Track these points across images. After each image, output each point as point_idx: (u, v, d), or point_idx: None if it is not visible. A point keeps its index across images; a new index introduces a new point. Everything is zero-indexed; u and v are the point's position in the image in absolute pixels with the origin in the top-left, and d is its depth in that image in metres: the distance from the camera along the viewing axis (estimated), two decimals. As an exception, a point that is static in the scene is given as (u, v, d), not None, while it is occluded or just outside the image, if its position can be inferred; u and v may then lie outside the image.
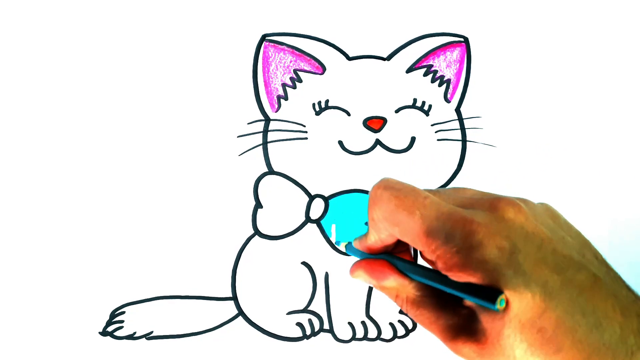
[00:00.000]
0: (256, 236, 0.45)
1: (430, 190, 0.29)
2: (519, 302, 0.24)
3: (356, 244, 0.33)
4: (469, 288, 0.25)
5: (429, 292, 0.30)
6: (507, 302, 0.24)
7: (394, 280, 0.30)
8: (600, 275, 0.25)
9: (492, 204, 0.27)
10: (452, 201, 0.28)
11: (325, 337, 0.46)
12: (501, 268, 0.24)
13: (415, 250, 0.32)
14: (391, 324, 0.47)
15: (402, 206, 0.27)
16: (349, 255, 0.46)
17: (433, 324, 0.29)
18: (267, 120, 0.45)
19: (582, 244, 0.27)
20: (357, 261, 0.32)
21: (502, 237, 0.25)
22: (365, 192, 0.46)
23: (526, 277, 0.24)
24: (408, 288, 0.30)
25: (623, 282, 0.26)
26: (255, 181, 0.45)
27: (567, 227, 0.28)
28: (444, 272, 0.26)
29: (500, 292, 0.24)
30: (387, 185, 0.29)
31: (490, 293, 0.24)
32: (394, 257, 0.31)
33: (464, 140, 0.46)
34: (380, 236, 0.30)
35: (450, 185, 0.46)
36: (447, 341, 0.28)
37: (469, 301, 0.27)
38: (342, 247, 0.36)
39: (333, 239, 0.45)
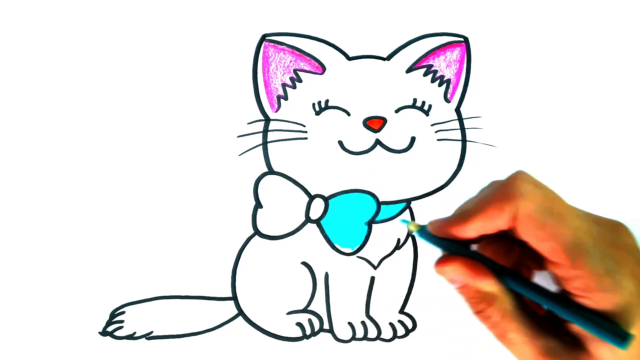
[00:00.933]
0: (256, 236, 0.45)
1: None
2: None
3: (437, 226, 0.28)
4: (593, 319, 0.23)
5: (524, 309, 0.27)
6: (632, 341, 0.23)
7: (493, 285, 0.26)
8: None
9: (615, 226, 0.26)
10: None
11: (325, 337, 0.46)
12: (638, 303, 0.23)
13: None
14: (391, 324, 0.47)
15: (556, 209, 0.25)
16: (348, 255, 0.46)
17: (529, 343, 0.26)
18: (267, 120, 0.45)
19: None
20: (449, 256, 0.27)
21: (638, 267, 0.24)
22: (365, 192, 0.46)
23: None
24: (503, 301, 0.27)
25: None
26: (255, 181, 0.45)
27: None
28: (577, 292, 0.24)
29: (628, 333, 0.22)
30: (536, 183, 0.26)
31: (616, 329, 0.23)
32: (493, 262, 0.27)
33: (464, 140, 0.46)
34: (488, 227, 0.26)
35: (451, 186, 0.46)
36: None
37: (577, 328, 0.25)
38: (411, 227, 0.30)
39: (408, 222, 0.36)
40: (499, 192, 0.26)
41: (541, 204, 0.25)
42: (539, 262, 0.27)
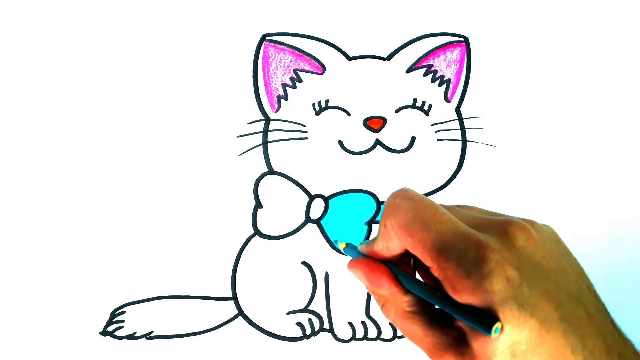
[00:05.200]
0: (256, 236, 0.45)
1: (445, 207, 0.30)
2: (517, 335, 0.25)
3: (362, 248, 0.33)
4: (468, 311, 0.26)
5: (419, 309, 0.30)
6: (502, 330, 0.25)
7: (387, 291, 0.30)
8: (593, 310, 0.26)
9: (503, 228, 0.27)
10: (465, 221, 0.28)
11: (325, 337, 0.46)
12: (507, 300, 0.25)
13: (414, 265, 0.32)
14: (391, 324, 0.47)
15: (419, 218, 0.27)
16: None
17: (421, 340, 0.30)
18: (267, 120, 0.45)
19: (579, 275, 0.28)
20: (360, 258, 0.32)
21: (513, 267, 0.26)
22: (365, 192, 0.46)
23: (528, 311, 0.25)
24: (400, 301, 0.30)
25: (610, 316, 0.27)
26: (255, 181, 0.45)
27: (567, 254, 0.29)
28: (448, 292, 0.27)
29: (497, 319, 0.25)
30: (407, 196, 0.29)
31: (487, 319, 0.25)
32: (396, 267, 0.31)
33: (464, 140, 0.46)
34: (388, 245, 0.30)
35: (451, 186, 0.46)
36: (434, 357, 0.29)
37: (461, 322, 0.28)
38: (340, 246, 0.36)
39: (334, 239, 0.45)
40: (383, 213, 0.30)
41: (407, 214, 0.28)
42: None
